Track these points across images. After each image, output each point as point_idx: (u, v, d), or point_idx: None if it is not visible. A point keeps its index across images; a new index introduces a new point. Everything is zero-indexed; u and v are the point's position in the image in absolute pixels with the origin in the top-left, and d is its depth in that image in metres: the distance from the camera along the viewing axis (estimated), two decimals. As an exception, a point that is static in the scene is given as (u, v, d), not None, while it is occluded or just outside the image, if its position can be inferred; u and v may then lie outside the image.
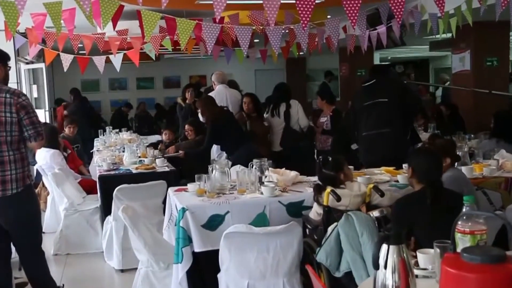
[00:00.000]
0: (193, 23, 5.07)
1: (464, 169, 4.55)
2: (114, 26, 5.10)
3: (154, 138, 9.62)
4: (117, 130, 9.27)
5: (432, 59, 19.67)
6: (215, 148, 7.56)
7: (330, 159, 3.95)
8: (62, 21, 5.06)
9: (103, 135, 9.10)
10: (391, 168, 4.84)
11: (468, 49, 9.44)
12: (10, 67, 4.07)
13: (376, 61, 14.91)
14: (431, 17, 6.38)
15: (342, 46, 9.07)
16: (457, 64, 9.82)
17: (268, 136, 7.25)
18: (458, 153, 4.46)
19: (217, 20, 4.43)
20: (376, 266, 2.12)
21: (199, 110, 7.10)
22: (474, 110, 9.31)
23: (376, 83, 5.81)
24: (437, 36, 7.88)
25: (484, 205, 4.32)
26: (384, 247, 2.10)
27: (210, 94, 7.71)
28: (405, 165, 4.76)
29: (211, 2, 3.97)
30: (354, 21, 4.26)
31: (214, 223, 3.94)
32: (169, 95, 16.50)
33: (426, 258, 2.55)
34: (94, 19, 4.82)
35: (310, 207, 4.02)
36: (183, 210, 3.90)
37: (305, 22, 4.11)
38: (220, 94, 7.62)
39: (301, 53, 10.69)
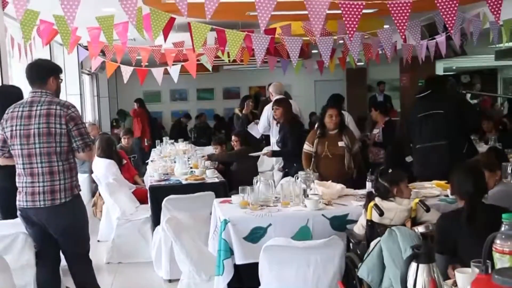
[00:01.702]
0: (242, 35, 5.11)
1: (521, 184, 4.35)
2: (165, 38, 5.21)
3: (210, 149, 9.72)
4: (173, 140, 9.42)
5: (500, 68, 19.00)
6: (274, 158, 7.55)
7: (390, 170, 3.88)
8: (115, 34, 5.22)
9: (160, 145, 9.27)
10: (442, 182, 4.69)
11: (535, 58, 9.05)
12: (61, 79, 4.20)
13: (439, 71, 14.51)
14: (491, 26, 6.16)
15: (403, 56, 8.90)
16: (523, 73, 9.43)
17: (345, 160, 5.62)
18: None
19: (262, 31, 4.42)
20: (405, 286, 2.04)
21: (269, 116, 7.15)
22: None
23: (431, 94, 5.69)
24: (501, 45, 7.61)
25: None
26: (413, 265, 2.03)
27: (269, 105, 7.77)
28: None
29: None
30: (403, 31, 4.18)
31: (256, 235, 3.94)
32: (229, 106, 16.63)
33: (464, 278, 2.44)
34: (146, 31, 4.93)
35: (355, 221, 3.96)
36: (225, 222, 3.92)
37: (351, 32, 4.05)
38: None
39: (359, 63, 10.60)
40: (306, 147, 5.78)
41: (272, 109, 6.97)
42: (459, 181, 3.36)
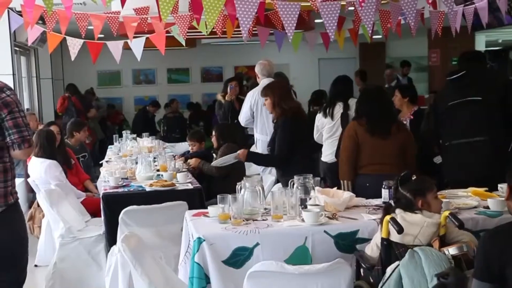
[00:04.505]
0: (223, -2, 5.08)
1: None
2: (123, 3, 5.18)
3: (184, 146, 9.71)
4: (135, 135, 9.39)
5: None
6: None
7: (414, 177, 3.92)
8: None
9: (119, 141, 9.24)
10: (481, 190, 4.70)
11: None
12: None
13: (480, 45, 14.56)
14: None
15: (431, 27, 8.88)
16: None
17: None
18: None
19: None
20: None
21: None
22: None
23: (466, 75, 5.70)
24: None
25: None
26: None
27: (252, 90, 7.75)
28: (501, 186, 4.61)
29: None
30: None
31: (239, 258, 3.95)
32: (208, 91, 16.67)
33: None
34: (97, -7, 4.89)
35: (367, 240, 3.98)
36: (199, 240, 3.92)
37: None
38: (264, 90, 7.64)
39: (376, 37, 10.59)
40: None
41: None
42: None
